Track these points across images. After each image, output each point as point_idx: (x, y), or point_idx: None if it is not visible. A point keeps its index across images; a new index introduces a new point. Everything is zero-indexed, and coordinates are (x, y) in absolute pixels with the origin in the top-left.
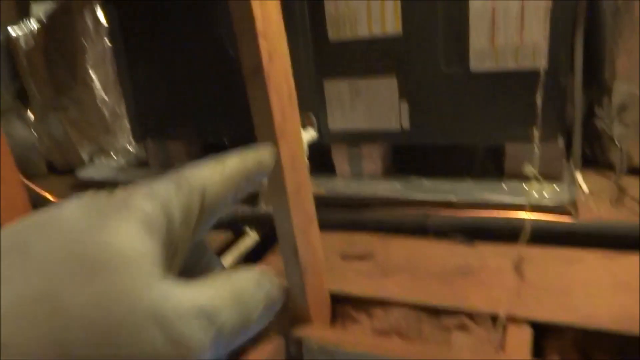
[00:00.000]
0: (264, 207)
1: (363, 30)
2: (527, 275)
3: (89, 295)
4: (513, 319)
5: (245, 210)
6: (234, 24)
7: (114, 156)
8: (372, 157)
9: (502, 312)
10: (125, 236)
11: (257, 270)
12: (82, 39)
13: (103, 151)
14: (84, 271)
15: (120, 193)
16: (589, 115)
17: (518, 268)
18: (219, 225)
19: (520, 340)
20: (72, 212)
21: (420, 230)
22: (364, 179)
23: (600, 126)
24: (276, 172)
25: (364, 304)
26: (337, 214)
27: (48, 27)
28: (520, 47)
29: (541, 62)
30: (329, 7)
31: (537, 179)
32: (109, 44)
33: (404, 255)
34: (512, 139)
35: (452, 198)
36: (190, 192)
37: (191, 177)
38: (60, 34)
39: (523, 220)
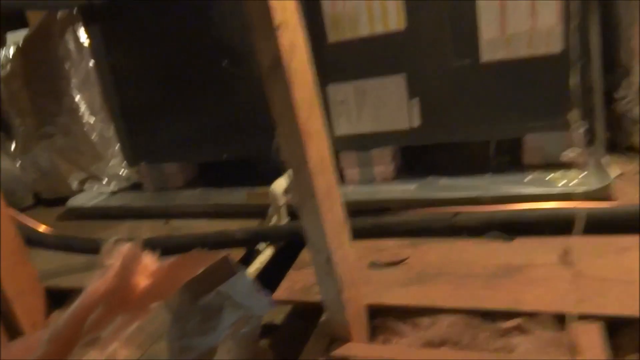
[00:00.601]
0: (275, 221)
1: (364, 29)
2: (580, 268)
3: None
4: (580, 316)
5: (256, 226)
6: (249, 16)
7: (104, 182)
8: (383, 160)
9: (567, 309)
10: None
11: None
12: (64, 62)
13: (93, 178)
14: None
15: None
16: (608, 101)
17: (567, 261)
18: (232, 243)
19: (593, 339)
20: None
21: (450, 230)
22: (376, 183)
23: (621, 109)
24: (304, 175)
25: (407, 314)
26: (357, 221)
27: (25, 51)
28: (533, 32)
29: (557, 47)
30: (327, 8)
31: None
32: (93, 66)
33: (439, 259)
34: (530, 130)
35: (476, 194)
36: None
37: None
38: (39, 58)
39: (564, 210)
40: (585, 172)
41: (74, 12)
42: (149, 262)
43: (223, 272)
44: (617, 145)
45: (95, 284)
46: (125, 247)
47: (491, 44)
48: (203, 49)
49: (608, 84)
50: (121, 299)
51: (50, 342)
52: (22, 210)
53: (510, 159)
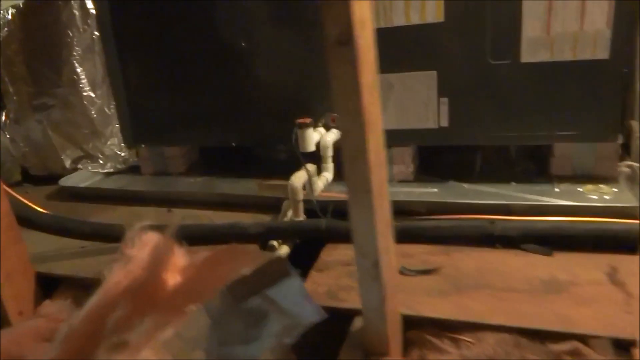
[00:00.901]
0: (290, 217)
1: (399, 18)
2: (631, 288)
3: None
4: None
5: (269, 220)
6: None
7: (100, 162)
8: (404, 160)
9: (625, 334)
10: None
11: None
12: (67, 29)
13: (89, 156)
14: None
15: None
16: None
17: (616, 280)
18: (245, 237)
19: None
20: None
21: (485, 239)
22: (394, 184)
23: None
24: (361, 167)
25: (445, 328)
26: None
27: (26, 13)
28: (579, 35)
29: (603, 53)
30: None
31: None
32: (98, 36)
33: (475, 269)
34: (563, 138)
35: (508, 202)
36: None
37: None
38: (41, 22)
39: (610, 225)
40: (618, 187)
41: None
42: (180, 255)
43: (274, 274)
44: None
45: (117, 276)
46: (153, 236)
47: (533, 44)
48: (218, 26)
49: None
50: (149, 297)
51: (66, 341)
52: (9, 186)
53: (536, 167)
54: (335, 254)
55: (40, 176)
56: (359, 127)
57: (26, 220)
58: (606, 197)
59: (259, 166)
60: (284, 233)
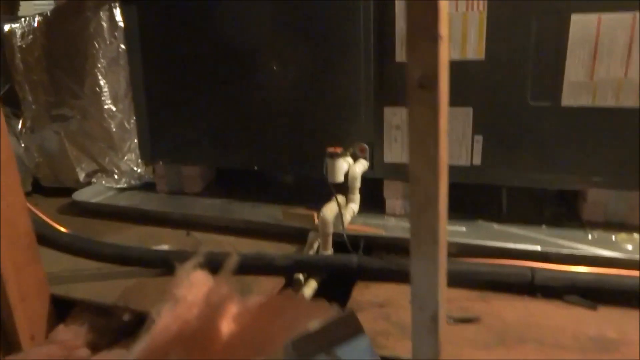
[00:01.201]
0: (316, 249)
1: None
2: None
3: None
4: None
5: (294, 251)
6: (407, 23)
7: (115, 177)
8: None
9: None
10: None
11: None
12: (94, 40)
13: (104, 171)
14: None
15: None
16: None
17: None
18: (271, 269)
19: None
20: None
21: (525, 287)
22: None
23: None
24: (431, 216)
25: None
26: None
27: (53, 22)
28: (623, 83)
29: None
30: (401, 23)
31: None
32: (124, 50)
33: (518, 320)
34: (597, 184)
35: (544, 249)
36: None
37: None
38: (68, 31)
39: None
40: None
41: None
42: (232, 299)
43: (343, 331)
44: None
45: (166, 320)
46: (202, 276)
47: (576, 88)
48: (248, 48)
49: None
50: (202, 346)
51: None
52: None
53: (566, 210)
54: (367, 294)
55: (51, 188)
56: (433, 174)
57: (44, 238)
58: None
59: (278, 191)
60: (313, 267)
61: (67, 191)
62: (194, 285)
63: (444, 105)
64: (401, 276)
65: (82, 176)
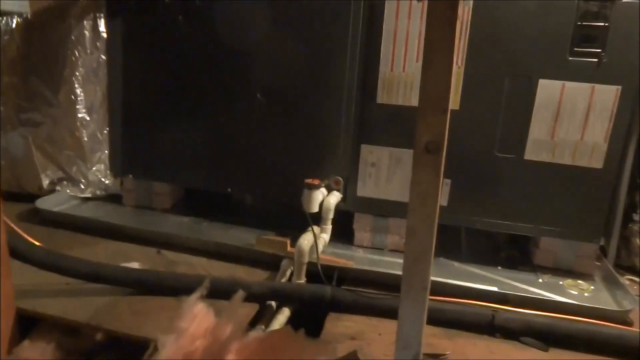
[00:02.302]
0: (288, 277)
1: (417, 98)
2: None
3: None
4: None
5: (266, 277)
6: (420, 95)
7: (82, 186)
8: (399, 231)
9: None
10: None
11: None
12: (75, 48)
13: (70, 179)
14: None
15: None
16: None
17: None
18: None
19: None
20: None
21: (486, 327)
22: (386, 253)
23: (634, 231)
24: (422, 268)
25: None
26: (385, 301)
27: (33, 25)
28: (579, 145)
29: (598, 163)
30: (385, 70)
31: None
32: (105, 60)
33: (481, 358)
34: (550, 233)
35: (505, 291)
36: None
37: None
38: (48, 36)
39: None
40: (594, 285)
41: None
42: (232, 333)
43: None
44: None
45: (168, 352)
46: (203, 309)
47: (538, 145)
48: (233, 75)
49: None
50: None
51: None
52: None
53: (519, 254)
54: (340, 326)
55: (10, 192)
56: (428, 229)
57: (15, 251)
58: (586, 294)
59: (246, 213)
60: (288, 297)
61: (28, 197)
62: (197, 318)
63: (442, 168)
64: (371, 310)
65: (46, 183)
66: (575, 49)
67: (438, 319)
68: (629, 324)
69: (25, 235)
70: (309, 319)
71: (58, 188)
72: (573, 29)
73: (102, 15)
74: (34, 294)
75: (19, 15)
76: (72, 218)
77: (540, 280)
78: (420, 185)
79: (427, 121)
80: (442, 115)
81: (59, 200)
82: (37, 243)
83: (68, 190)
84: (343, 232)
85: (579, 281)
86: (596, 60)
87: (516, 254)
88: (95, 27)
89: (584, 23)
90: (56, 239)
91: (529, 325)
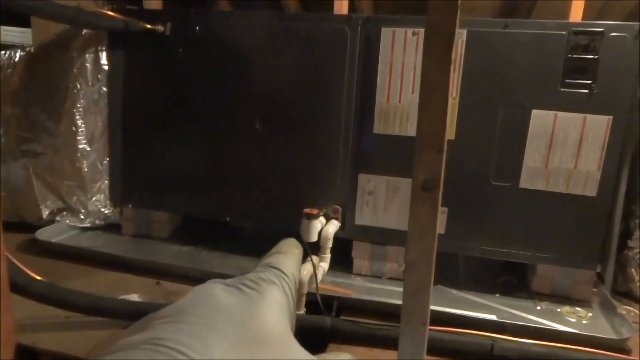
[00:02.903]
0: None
1: (414, 129)
2: None
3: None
4: None
5: None
6: (417, 135)
7: (81, 217)
8: (397, 259)
9: None
10: (273, 321)
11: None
12: (76, 80)
13: (70, 209)
14: (253, 345)
15: (257, 286)
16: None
17: None
18: None
19: None
20: (232, 302)
21: (484, 356)
22: (385, 281)
23: (630, 257)
24: (422, 302)
25: None
26: (383, 330)
27: (36, 58)
28: (573, 173)
29: (591, 191)
30: (381, 100)
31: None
32: (106, 91)
33: None
34: (546, 260)
35: (503, 320)
36: (294, 281)
37: (290, 269)
38: (51, 69)
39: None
40: (592, 312)
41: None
42: None
43: None
44: (613, 289)
45: None
46: None
47: (532, 173)
48: (232, 105)
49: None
50: None
51: None
52: None
53: (517, 281)
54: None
55: (10, 222)
56: (428, 262)
57: (15, 285)
58: (584, 321)
59: (244, 241)
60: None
61: (27, 227)
62: None
63: (439, 203)
64: (372, 340)
65: (45, 213)
66: (567, 80)
67: (438, 348)
68: (627, 351)
69: (25, 269)
70: (310, 350)
71: (58, 218)
72: (564, 61)
73: (103, 48)
74: (34, 328)
75: (22, 48)
76: (71, 249)
77: (539, 307)
78: (418, 220)
79: (424, 160)
80: (438, 154)
81: (59, 231)
82: (37, 277)
83: (68, 221)
84: (342, 260)
85: (577, 308)
86: (587, 91)
87: (514, 281)
88: (96, 60)
89: (574, 55)
90: (56, 270)
91: (527, 355)
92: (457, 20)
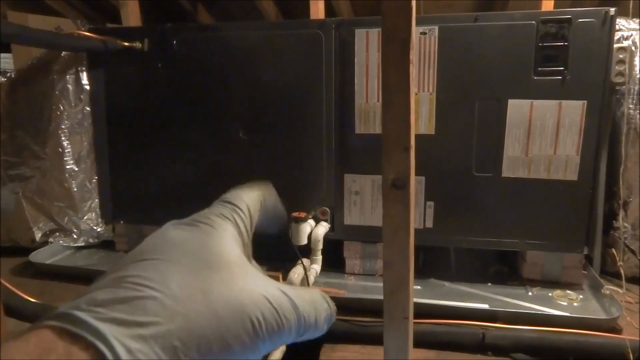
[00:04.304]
0: None
1: None
2: None
3: (218, 282)
4: None
5: None
6: (383, 136)
7: (74, 236)
8: None
9: None
10: (225, 249)
11: (321, 290)
12: (59, 102)
13: (62, 230)
14: (209, 271)
15: (209, 221)
16: (605, 227)
17: None
18: None
19: None
20: (185, 237)
21: (477, 346)
22: (377, 279)
23: (616, 238)
24: (402, 299)
25: None
26: (374, 327)
27: (17, 83)
28: (553, 159)
29: (572, 175)
30: (360, 101)
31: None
32: (89, 111)
33: None
34: (535, 247)
35: (493, 308)
36: (248, 214)
37: (244, 203)
38: (32, 92)
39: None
40: (583, 293)
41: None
42: None
43: None
44: (603, 270)
45: None
46: None
47: (513, 162)
48: (215, 116)
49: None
50: None
51: None
52: None
53: (508, 269)
54: (335, 356)
55: (2, 247)
56: (404, 260)
57: (10, 308)
58: (575, 304)
59: None
60: None
61: (20, 250)
62: None
63: (412, 201)
64: (364, 338)
65: (38, 236)
66: (540, 68)
67: (430, 342)
68: (618, 331)
69: (19, 292)
70: (304, 352)
71: (51, 240)
72: (535, 50)
73: (84, 68)
74: None
75: (3, 74)
76: (66, 269)
77: (530, 293)
78: (391, 219)
79: (392, 160)
80: (405, 152)
81: (53, 252)
82: (31, 299)
83: (61, 241)
84: (335, 260)
85: (568, 291)
86: (560, 77)
87: (505, 269)
88: (78, 80)
89: (545, 44)
90: (51, 291)
91: (518, 341)
92: (414, 23)
